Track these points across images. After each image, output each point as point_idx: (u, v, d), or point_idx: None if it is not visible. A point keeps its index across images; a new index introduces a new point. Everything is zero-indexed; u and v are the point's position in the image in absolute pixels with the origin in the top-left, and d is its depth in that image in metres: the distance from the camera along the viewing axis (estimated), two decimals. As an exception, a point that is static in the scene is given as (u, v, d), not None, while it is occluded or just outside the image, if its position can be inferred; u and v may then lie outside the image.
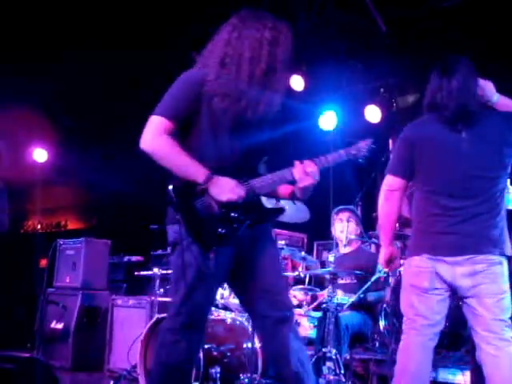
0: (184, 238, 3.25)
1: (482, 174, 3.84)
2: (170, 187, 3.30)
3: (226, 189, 3.21)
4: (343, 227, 6.07)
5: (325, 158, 3.40)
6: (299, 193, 3.45)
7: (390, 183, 3.97)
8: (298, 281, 6.31)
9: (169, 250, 7.87)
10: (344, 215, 6.16)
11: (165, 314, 5.62)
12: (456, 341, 4.10)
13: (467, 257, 3.72)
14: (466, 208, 3.80)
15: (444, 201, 3.81)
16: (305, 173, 3.32)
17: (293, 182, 3.41)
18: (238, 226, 3.28)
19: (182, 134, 3.35)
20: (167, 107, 3.32)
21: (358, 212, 6.34)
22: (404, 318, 3.92)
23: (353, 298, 5.59)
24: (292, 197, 3.53)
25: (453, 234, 3.77)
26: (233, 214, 3.26)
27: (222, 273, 3.39)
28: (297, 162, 3.37)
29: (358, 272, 5.63)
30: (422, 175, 3.91)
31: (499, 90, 3.97)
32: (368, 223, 6.66)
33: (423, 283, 3.78)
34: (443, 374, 5.18)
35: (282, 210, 3.54)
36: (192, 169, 3.23)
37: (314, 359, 5.31)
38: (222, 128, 3.34)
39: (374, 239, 6.48)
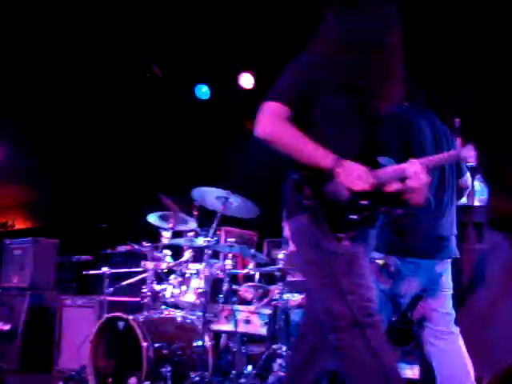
0: (315, 228, 3.00)
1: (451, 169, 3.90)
2: (295, 176, 3.08)
3: (356, 175, 2.96)
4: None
5: (435, 157, 3.19)
6: (411, 194, 3.12)
7: None
8: (248, 278, 6.31)
9: (122, 248, 7.85)
10: None
11: (115, 314, 5.58)
12: (404, 336, 4.15)
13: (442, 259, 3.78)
14: (444, 203, 3.83)
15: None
16: (414, 172, 3.03)
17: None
18: (369, 214, 3.09)
19: (298, 122, 3.08)
20: (283, 92, 3.11)
21: None
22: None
23: (302, 295, 5.61)
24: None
25: (435, 236, 3.79)
26: (363, 202, 3.05)
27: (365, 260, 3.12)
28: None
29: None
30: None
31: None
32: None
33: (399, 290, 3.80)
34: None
35: (405, 204, 3.19)
36: (319, 153, 2.98)
37: (264, 356, 5.33)
38: (343, 116, 3.16)
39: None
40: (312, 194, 3.01)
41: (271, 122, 3.04)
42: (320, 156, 2.98)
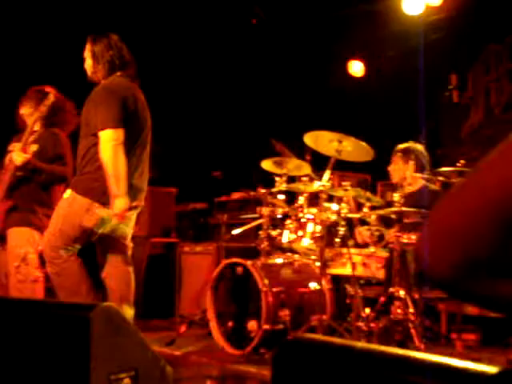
0: None
1: None
2: None
3: None
4: (399, 167, 6.06)
5: None
6: None
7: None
8: (364, 222, 6.27)
9: (237, 195, 7.95)
10: (398, 155, 6.12)
11: (233, 259, 5.68)
12: None
13: None
14: None
15: None
16: None
17: None
18: None
19: None
20: None
21: (420, 149, 6.23)
22: None
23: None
24: None
25: None
26: None
27: None
28: None
29: (423, 210, 5.57)
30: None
31: None
32: (432, 160, 6.56)
33: None
34: None
35: None
36: None
37: (382, 299, 5.32)
38: None
39: (438, 177, 6.35)
40: None
41: None
42: None
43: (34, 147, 5.41)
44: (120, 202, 4.48)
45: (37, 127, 5.48)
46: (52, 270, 4.65)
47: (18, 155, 5.21)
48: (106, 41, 4.81)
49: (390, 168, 6.19)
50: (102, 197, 4.54)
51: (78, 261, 4.62)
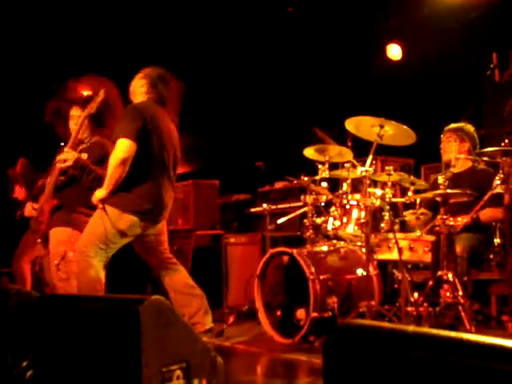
0: None
1: None
2: None
3: None
4: (451, 145, 6.00)
5: None
6: None
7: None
8: (408, 206, 6.21)
9: (280, 184, 7.93)
10: (452, 134, 6.06)
11: (279, 248, 5.68)
12: None
13: None
14: None
15: None
16: None
17: None
18: None
19: None
20: None
21: (473, 130, 6.17)
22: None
23: (466, 219, 5.47)
24: None
25: None
26: None
27: None
28: None
29: (468, 192, 5.51)
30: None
31: None
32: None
33: None
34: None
35: None
36: None
37: (430, 283, 5.27)
38: None
39: (483, 157, 6.26)
40: None
41: None
42: None
43: (84, 156, 5.46)
44: (100, 192, 4.92)
45: (85, 134, 5.59)
46: (76, 270, 4.96)
47: (68, 153, 5.28)
48: (149, 79, 5.31)
49: (442, 146, 6.09)
50: (132, 207, 4.94)
51: (101, 272, 4.92)
